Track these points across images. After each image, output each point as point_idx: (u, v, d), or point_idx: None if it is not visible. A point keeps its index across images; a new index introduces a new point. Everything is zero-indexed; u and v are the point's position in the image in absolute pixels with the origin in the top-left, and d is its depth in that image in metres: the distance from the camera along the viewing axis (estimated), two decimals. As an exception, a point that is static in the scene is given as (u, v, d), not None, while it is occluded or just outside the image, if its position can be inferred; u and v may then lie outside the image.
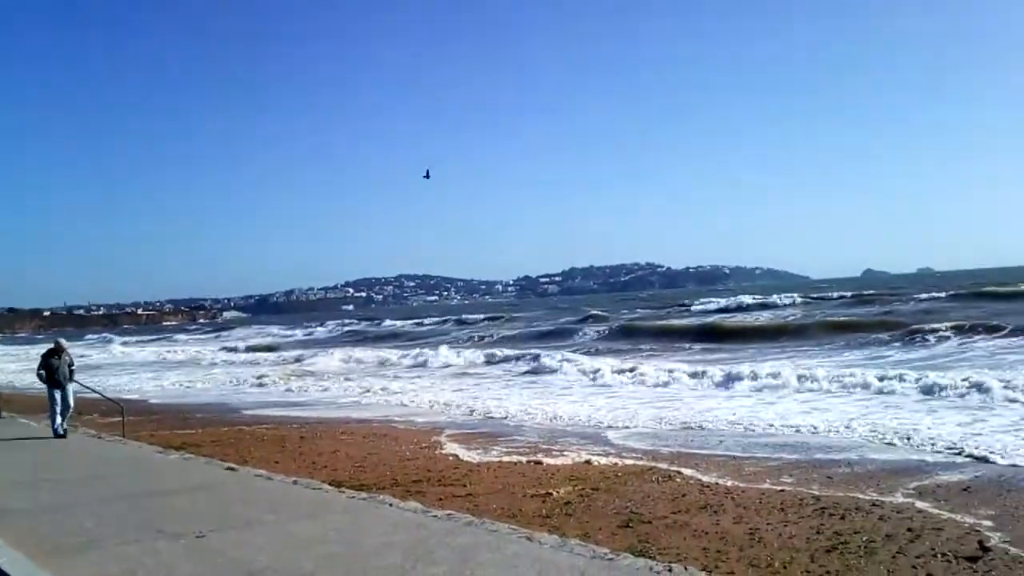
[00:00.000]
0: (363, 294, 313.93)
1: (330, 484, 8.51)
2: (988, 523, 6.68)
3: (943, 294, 46.06)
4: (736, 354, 26.43)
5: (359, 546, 5.85)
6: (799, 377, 17.53)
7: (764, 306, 52.44)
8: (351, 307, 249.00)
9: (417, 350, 34.02)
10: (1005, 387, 13.68)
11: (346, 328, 69.38)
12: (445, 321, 64.18)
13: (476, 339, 45.27)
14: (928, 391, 14.71)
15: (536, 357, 27.22)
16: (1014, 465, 8.81)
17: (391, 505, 7.22)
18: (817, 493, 8.00)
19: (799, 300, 55.05)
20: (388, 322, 72.00)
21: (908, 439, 10.64)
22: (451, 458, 10.97)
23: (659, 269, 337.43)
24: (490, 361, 29.24)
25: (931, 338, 25.53)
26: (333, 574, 5.21)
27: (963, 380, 14.71)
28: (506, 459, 10.68)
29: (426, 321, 65.80)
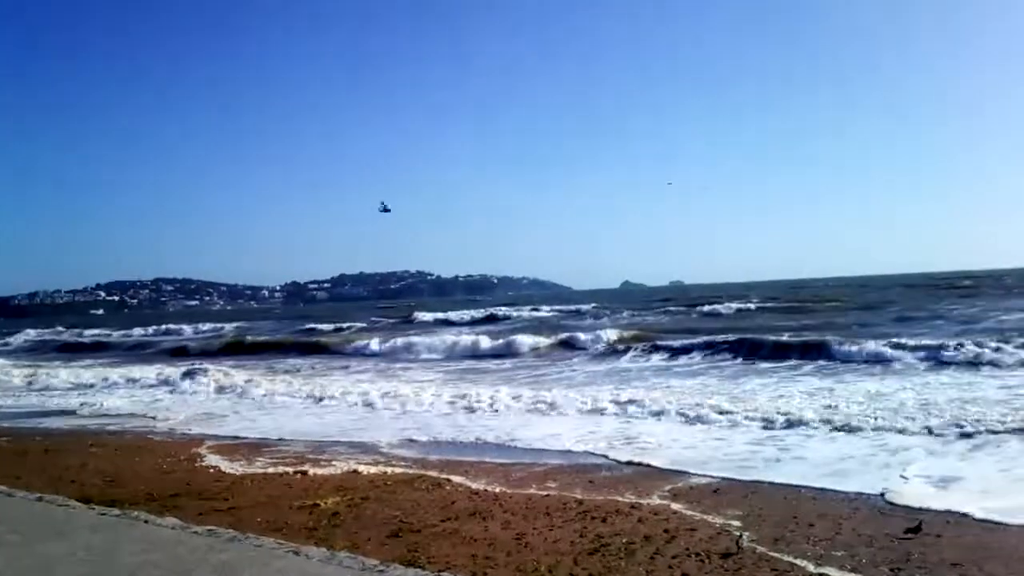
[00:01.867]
0: (116, 298, 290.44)
1: (79, 500, 7.71)
2: (736, 523, 7.19)
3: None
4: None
5: (112, 566, 5.35)
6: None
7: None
8: (101, 311, 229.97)
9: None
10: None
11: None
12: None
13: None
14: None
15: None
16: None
17: (147, 521, 6.65)
18: (580, 497, 8.30)
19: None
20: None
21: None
22: (212, 470, 10.31)
23: (429, 277, 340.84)
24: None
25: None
26: (80, 599, 4.72)
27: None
28: (271, 470, 10.20)
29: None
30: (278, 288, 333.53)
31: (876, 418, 11.76)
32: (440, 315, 57.54)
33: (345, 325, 51.92)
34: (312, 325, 53.00)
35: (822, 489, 8.40)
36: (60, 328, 69.61)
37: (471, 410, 15.23)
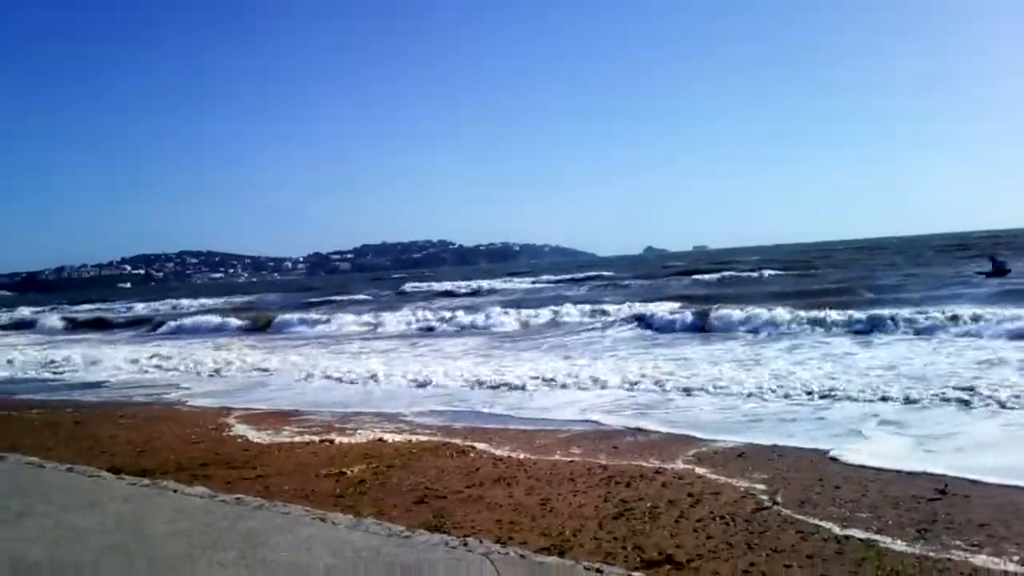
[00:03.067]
0: (141, 271, 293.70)
1: (109, 471, 7.82)
2: (761, 486, 7.19)
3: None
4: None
5: (142, 535, 5.43)
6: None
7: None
8: (128, 285, 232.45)
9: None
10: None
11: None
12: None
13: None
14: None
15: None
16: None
17: (175, 491, 6.75)
18: (604, 463, 8.31)
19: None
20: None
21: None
22: (240, 440, 10.43)
23: (451, 246, 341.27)
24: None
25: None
26: (115, 565, 4.82)
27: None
28: (298, 439, 10.30)
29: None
30: (301, 259, 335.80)
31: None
32: (437, 285, 58.98)
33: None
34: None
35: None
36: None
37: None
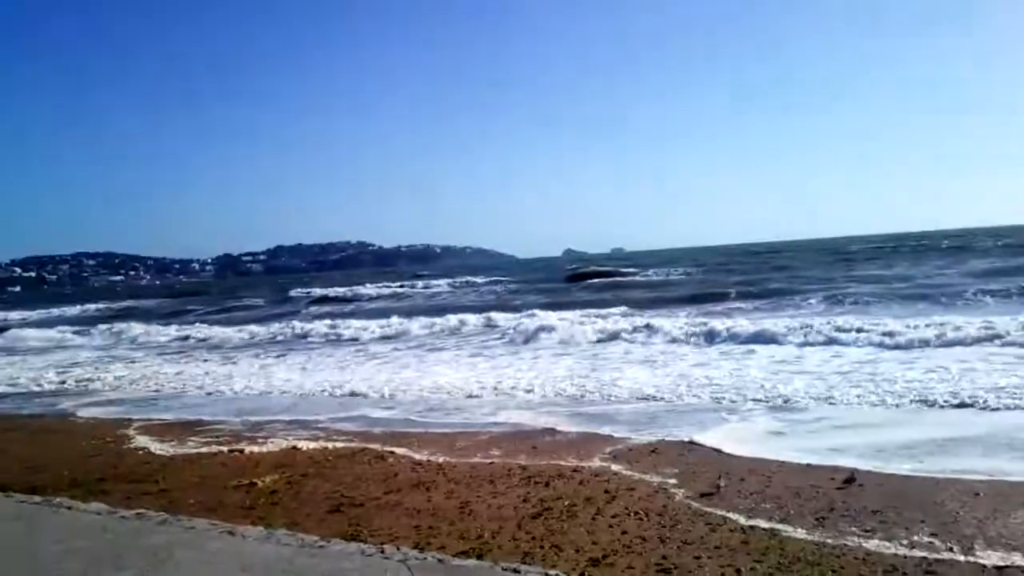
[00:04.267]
0: (32, 274, 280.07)
1: (-5, 489, 7.42)
2: (673, 480, 7.32)
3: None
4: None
5: (35, 555, 5.18)
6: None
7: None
8: (18, 288, 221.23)
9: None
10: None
11: None
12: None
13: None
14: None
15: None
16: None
17: (70, 508, 6.44)
18: (524, 463, 8.31)
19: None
20: None
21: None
22: (141, 452, 10.02)
23: (371, 248, 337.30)
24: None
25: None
26: (0, 591, 4.55)
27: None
28: (204, 450, 9.96)
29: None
30: (209, 261, 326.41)
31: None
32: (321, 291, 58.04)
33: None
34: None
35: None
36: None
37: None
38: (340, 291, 57.61)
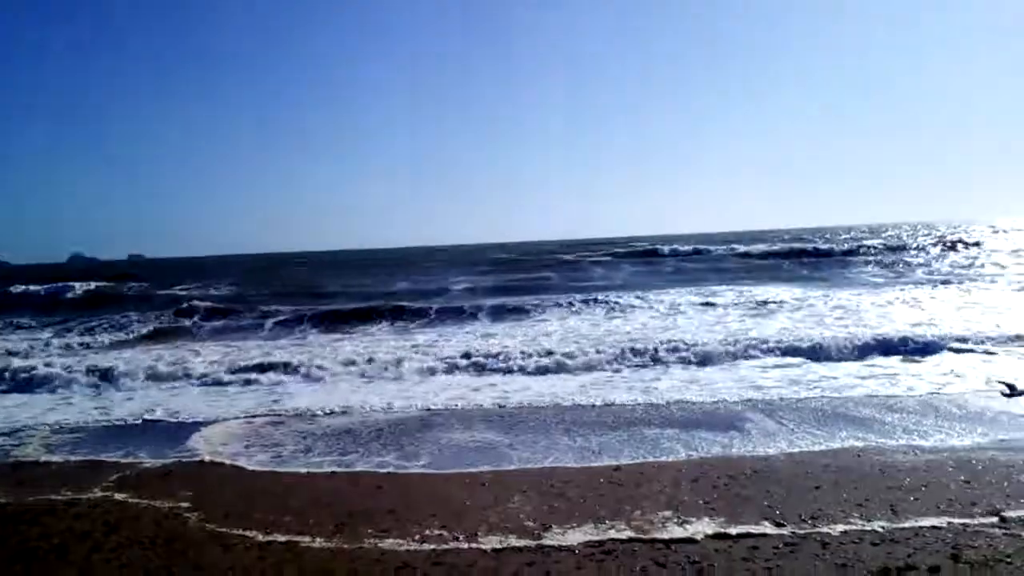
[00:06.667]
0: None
1: None
2: (186, 504, 6.89)
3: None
4: None
5: None
6: None
7: None
8: None
9: None
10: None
11: None
12: None
13: None
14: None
15: None
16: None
17: None
18: (6, 500, 7.16)
19: None
20: None
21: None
22: None
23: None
24: None
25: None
26: None
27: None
28: None
29: None
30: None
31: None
32: None
33: None
34: None
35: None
36: None
37: None
38: None
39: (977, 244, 48.79)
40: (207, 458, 8.58)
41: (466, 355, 14.38)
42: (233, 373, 14.02)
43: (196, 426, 10.29)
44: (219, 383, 13.54)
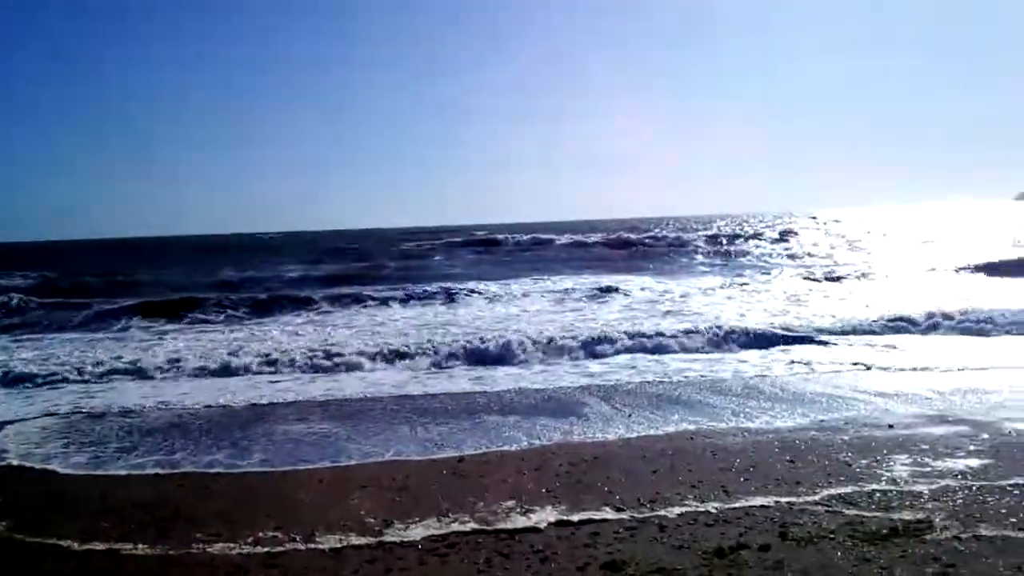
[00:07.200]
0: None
1: None
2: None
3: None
4: None
5: None
6: None
7: None
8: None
9: None
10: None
11: None
12: None
13: None
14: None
15: None
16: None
17: None
18: None
19: None
20: None
21: None
22: None
23: None
24: None
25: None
26: None
27: None
28: None
29: None
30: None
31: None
32: None
33: None
34: None
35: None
36: None
37: None
38: None
39: (795, 233, 52.85)
40: (15, 461, 7.86)
41: (309, 349, 13.91)
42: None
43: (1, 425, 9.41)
44: (26, 378, 12.40)
